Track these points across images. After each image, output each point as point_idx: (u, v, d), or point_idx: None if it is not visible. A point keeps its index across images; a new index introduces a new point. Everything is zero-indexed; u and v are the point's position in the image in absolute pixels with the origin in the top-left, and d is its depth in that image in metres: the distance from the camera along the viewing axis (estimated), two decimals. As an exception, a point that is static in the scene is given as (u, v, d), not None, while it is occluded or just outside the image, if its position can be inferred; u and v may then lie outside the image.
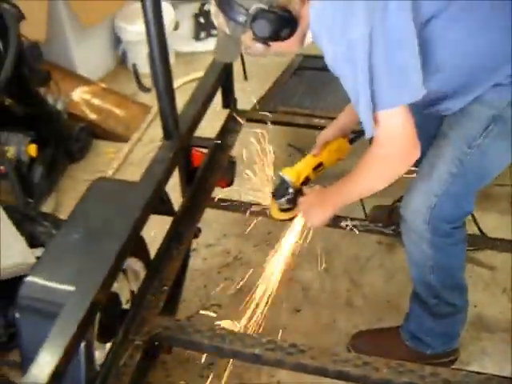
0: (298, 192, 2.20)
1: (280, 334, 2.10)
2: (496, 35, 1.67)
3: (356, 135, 2.30)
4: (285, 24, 1.70)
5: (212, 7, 1.79)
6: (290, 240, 2.24)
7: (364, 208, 2.73)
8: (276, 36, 1.72)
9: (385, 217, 2.66)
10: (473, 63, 1.71)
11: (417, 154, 1.74)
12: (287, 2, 1.68)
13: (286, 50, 1.85)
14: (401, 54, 1.57)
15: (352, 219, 2.51)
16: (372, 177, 1.86)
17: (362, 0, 1.52)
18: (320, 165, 2.27)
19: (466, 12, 1.62)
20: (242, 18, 1.70)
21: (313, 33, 1.71)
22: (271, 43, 1.76)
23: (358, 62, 1.57)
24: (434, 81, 1.74)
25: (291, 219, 2.26)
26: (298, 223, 2.23)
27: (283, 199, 2.21)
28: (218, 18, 1.79)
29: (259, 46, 1.77)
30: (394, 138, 1.72)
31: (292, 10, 1.69)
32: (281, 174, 2.22)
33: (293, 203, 2.22)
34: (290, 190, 2.19)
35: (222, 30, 1.80)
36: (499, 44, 1.67)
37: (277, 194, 2.23)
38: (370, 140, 1.75)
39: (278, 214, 2.29)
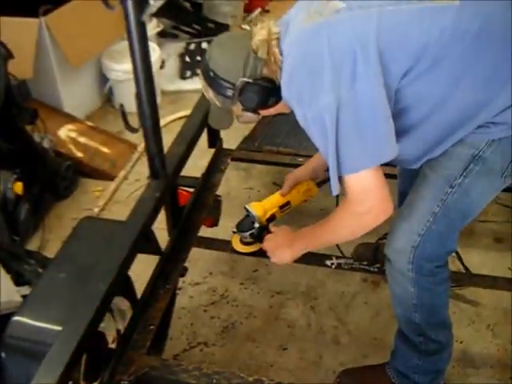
0: (263, 228, 2.23)
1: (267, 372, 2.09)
2: (475, 81, 1.65)
3: (324, 179, 2.32)
4: (270, 94, 1.77)
5: (201, 82, 1.86)
6: None
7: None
8: (264, 105, 1.80)
9: (369, 255, 2.68)
10: (456, 113, 1.70)
11: (390, 211, 1.75)
12: (271, 73, 1.75)
13: (277, 112, 1.91)
14: (369, 123, 1.59)
15: (337, 257, 2.51)
16: (342, 230, 1.88)
17: (329, 68, 1.56)
18: (287, 204, 2.30)
19: (439, 64, 1.60)
20: (229, 93, 1.78)
21: (284, 98, 1.77)
22: (260, 111, 1.84)
23: (326, 129, 1.59)
24: (422, 137, 1.77)
25: (251, 253, 2.30)
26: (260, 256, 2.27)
27: (247, 233, 2.24)
28: (207, 92, 1.86)
29: (249, 114, 1.85)
30: (364, 199, 1.73)
31: (276, 79, 1.76)
32: (247, 207, 2.25)
33: (256, 238, 2.24)
34: (256, 225, 2.22)
35: (213, 102, 1.87)
36: (481, 89, 1.66)
37: (241, 227, 2.26)
38: (337, 198, 1.76)
39: (239, 247, 2.32)
